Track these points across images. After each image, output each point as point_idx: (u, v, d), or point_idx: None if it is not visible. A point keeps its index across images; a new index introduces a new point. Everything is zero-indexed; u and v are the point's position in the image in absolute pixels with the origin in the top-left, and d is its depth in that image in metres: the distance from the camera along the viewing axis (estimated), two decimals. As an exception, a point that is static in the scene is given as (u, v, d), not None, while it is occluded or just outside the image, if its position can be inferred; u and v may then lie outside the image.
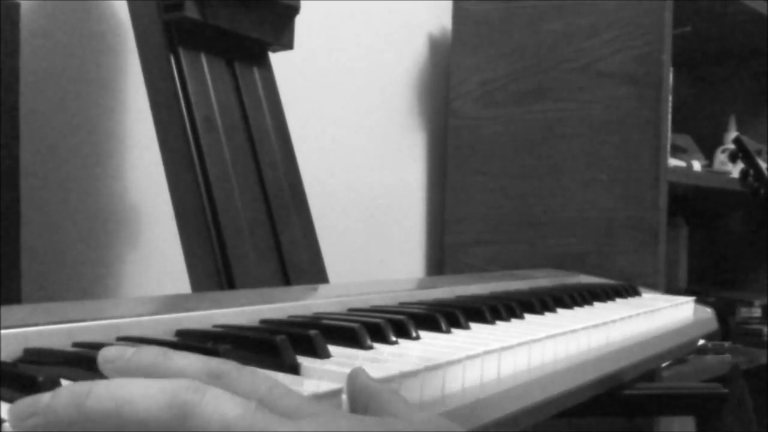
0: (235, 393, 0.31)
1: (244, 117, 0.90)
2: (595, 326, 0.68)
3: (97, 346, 0.43)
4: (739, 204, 1.96)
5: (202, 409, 0.29)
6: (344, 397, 0.39)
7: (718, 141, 1.87)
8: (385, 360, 0.47)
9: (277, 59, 0.97)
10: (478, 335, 0.59)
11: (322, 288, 0.84)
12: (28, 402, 0.31)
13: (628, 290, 0.93)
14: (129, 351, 0.34)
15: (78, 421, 0.30)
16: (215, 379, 0.32)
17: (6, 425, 0.32)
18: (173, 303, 0.62)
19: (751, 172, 1.33)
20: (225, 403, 0.29)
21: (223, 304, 0.58)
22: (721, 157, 1.78)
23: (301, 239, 0.90)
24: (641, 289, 0.97)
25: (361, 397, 0.37)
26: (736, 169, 1.52)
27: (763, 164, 1.37)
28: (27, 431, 0.31)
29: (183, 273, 0.85)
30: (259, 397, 0.31)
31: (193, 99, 0.84)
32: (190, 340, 0.48)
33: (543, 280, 1.00)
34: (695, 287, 1.88)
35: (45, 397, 0.31)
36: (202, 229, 0.82)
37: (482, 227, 1.44)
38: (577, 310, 0.77)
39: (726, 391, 0.80)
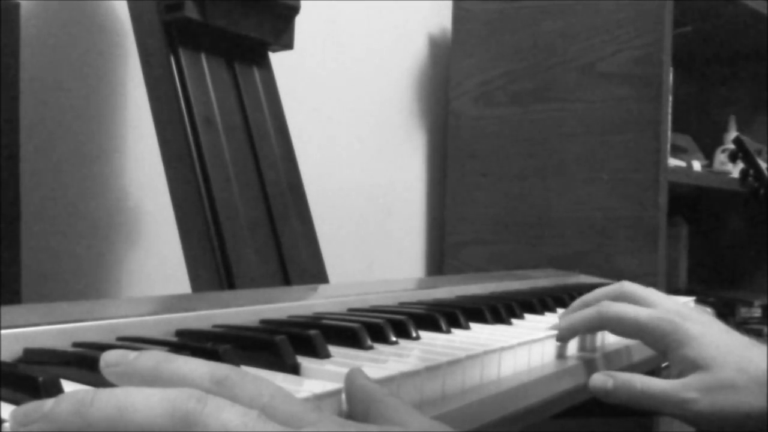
0: (237, 399, 0.31)
1: (244, 117, 0.90)
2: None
3: (97, 346, 0.43)
4: (739, 204, 1.96)
5: (204, 418, 0.29)
6: (344, 397, 0.39)
7: (718, 141, 1.87)
8: (385, 360, 0.47)
9: (277, 59, 0.97)
10: (478, 335, 0.59)
11: (322, 288, 0.84)
12: (30, 407, 0.31)
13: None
14: (131, 355, 0.34)
15: (80, 428, 0.30)
16: (217, 385, 0.32)
17: (6, 425, 0.32)
18: (173, 303, 0.62)
19: (751, 172, 1.33)
20: (226, 413, 0.29)
21: (223, 304, 0.58)
22: (721, 157, 1.78)
23: (301, 239, 0.90)
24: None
25: (360, 401, 0.37)
26: (736, 169, 1.53)
27: (763, 164, 1.37)
28: None
29: (183, 273, 0.85)
30: (261, 404, 0.31)
31: (193, 99, 0.84)
32: (190, 340, 0.48)
33: (543, 280, 1.00)
34: (695, 287, 1.88)
35: (47, 404, 0.31)
36: (202, 229, 0.82)
37: (482, 227, 1.43)
38: (577, 310, 0.77)
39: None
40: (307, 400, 0.37)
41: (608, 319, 0.62)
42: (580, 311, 0.64)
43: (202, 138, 0.84)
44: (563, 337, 0.62)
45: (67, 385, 0.37)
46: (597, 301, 0.66)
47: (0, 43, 0.77)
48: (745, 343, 0.60)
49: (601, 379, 0.59)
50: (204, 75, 0.87)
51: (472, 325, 0.63)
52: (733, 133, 1.82)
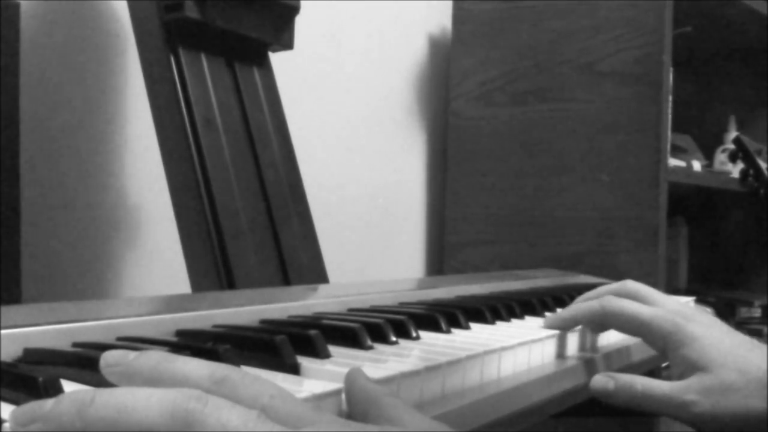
0: (238, 400, 0.31)
1: (244, 117, 0.90)
2: (595, 326, 0.68)
3: (97, 346, 0.43)
4: (739, 204, 1.96)
5: (204, 418, 0.29)
6: (344, 397, 0.39)
7: (718, 141, 1.87)
8: (385, 360, 0.47)
9: (277, 59, 0.97)
10: (478, 335, 0.59)
11: (322, 288, 0.84)
12: (30, 407, 0.31)
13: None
14: (131, 355, 0.34)
15: (80, 428, 0.30)
16: (217, 385, 0.32)
17: (6, 425, 0.32)
18: (173, 303, 0.62)
19: (751, 172, 1.33)
20: (226, 413, 0.29)
21: (223, 304, 0.58)
22: (721, 157, 1.78)
23: (301, 239, 0.90)
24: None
25: (360, 401, 0.37)
26: (736, 169, 1.53)
27: (763, 164, 1.37)
28: None
29: (183, 273, 0.85)
30: (261, 404, 0.32)
31: (193, 99, 0.84)
32: (190, 340, 0.48)
33: (543, 280, 1.00)
34: (695, 287, 1.88)
35: (47, 404, 0.31)
36: (202, 229, 0.82)
37: (482, 227, 1.43)
38: (577, 310, 0.77)
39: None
40: (307, 400, 0.37)
41: (610, 314, 0.62)
42: (583, 303, 0.65)
43: (202, 138, 0.84)
44: (565, 326, 0.63)
45: (67, 385, 0.37)
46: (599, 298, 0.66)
47: (0, 43, 0.77)
48: (746, 345, 0.60)
49: (602, 381, 0.59)
50: (204, 75, 0.87)
51: (472, 325, 0.63)
52: (733, 133, 1.82)
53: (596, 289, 0.69)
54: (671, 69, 1.31)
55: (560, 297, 0.79)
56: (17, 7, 0.81)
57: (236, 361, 0.41)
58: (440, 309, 0.64)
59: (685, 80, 1.94)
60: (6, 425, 0.32)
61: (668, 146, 1.29)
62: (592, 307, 0.63)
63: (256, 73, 0.93)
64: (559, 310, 0.74)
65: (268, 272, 0.85)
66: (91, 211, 1.03)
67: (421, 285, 0.91)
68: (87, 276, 1.03)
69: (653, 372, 0.71)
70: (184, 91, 0.84)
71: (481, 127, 1.45)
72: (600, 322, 0.64)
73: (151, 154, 0.90)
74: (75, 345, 0.45)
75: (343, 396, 0.38)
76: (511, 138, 1.41)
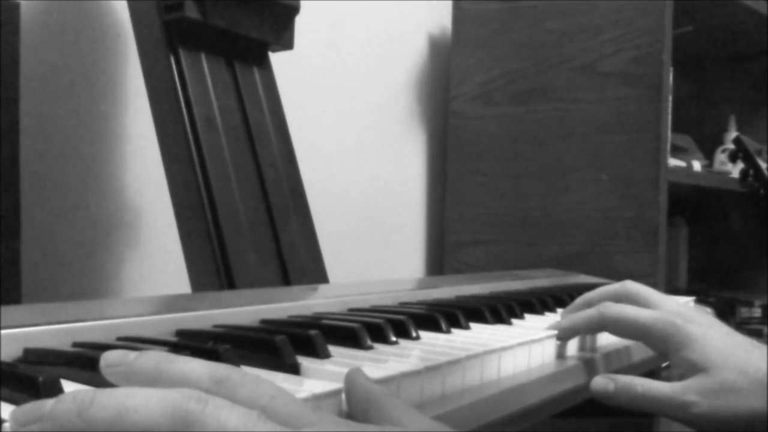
0: (238, 400, 0.31)
1: (244, 117, 0.90)
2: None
3: (97, 346, 0.43)
4: (739, 204, 1.96)
5: (204, 419, 0.29)
6: (344, 397, 0.39)
7: (718, 141, 1.87)
8: (385, 360, 0.47)
9: (277, 59, 0.97)
10: (478, 335, 0.59)
11: (322, 288, 0.84)
12: (30, 407, 0.31)
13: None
14: (131, 355, 0.34)
15: (80, 428, 0.30)
16: (218, 385, 0.32)
17: (6, 425, 0.32)
18: (173, 303, 0.62)
19: (751, 172, 1.33)
20: (226, 414, 0.30)
21: (223, 304, 0.58)
22: (721, 157, 1.78)
23: (301, 239, 0.90)
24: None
25: (360, 401, 0.37)
26: (736, 169, 1.53)
27: (763, 164, 1.37)
28: None
29: (183, 273, 0.85)
30: (261, 404, 0.32)
31: (193, 99, 0.84)
32: (190, 340, 0.48)
33: (543, 280, 1.00)
34: (695, 287, 1.88)
35: (47, 404, 0.31)
36: (202, 229, 0.82)
37: (482, 227, 1.43)
38: (577, 310, 0.77)
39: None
40: (307, 400, 0.37)
41: (609, 321, 0.62)
42: (581, 312, 0.64)
43: (202, 138, 0.84)
44: (563, 337, 0.62)
45: (67, 385, 0.37)
46: (599, 299, 0.66)
47: (0, 43, 0.77)
48: (746, 345, 0.60)
49: (602, 383, 0.59)
50: (204, 75, 0.87)
51: (472, 325, 0.63)
52: (733, 133, 1.82)
53: (596, 290, 0.69)
54: (671, 69, 1.31)
55: (560, 297, 0.79)
56: (17, 7, 0.81)
57: (236, 361, 0.41)
58: (440, 309, 0.64)
59: (685, 80, 1.94)
60: (6, 425, 0.32)
61: (668, 146, 1.29)
62: (591, 315, 0.63)
63: (256, 73, 0.93)
64: (559, 310, 0.74)
65: (268, 272, 0.85)
66: (91, 211, 1.03)
67: (421, 285, 0.91)
68: (87, 276, 1.03)
69: (653, 372, 0.71)
70: (184, 91, 0.84)
71: (481, 127, 1.45)
72: (599, 329, 0.65)
73: (151, 154, 0.90)
74: (75, 345, 0.45)
75: (343, 396, 0.38)
76: (511, 138, 1.41)
